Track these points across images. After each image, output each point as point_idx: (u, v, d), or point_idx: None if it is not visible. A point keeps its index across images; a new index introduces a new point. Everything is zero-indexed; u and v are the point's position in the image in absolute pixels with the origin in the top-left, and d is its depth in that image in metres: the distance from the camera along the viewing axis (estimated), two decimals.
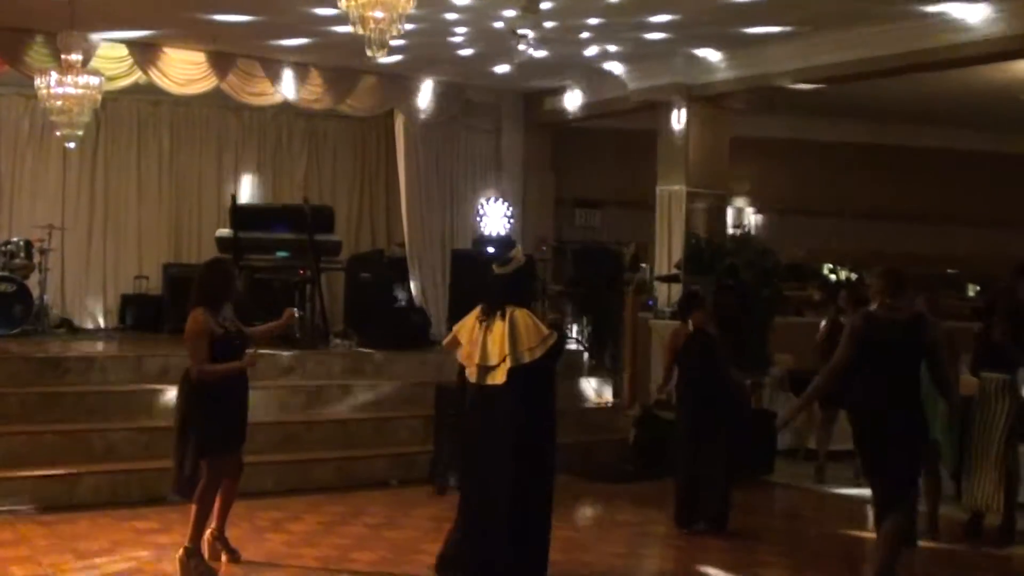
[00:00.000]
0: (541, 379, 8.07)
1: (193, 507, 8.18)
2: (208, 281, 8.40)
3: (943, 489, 11.06)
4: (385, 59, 9.70)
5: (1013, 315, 10.15)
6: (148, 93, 15.60)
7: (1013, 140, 18.92)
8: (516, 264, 8.24)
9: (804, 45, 12.91)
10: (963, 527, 10.41)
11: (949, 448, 10.42)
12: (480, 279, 14.48)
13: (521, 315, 7.95)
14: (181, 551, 8.16)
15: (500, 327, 7.96)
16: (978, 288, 20.31)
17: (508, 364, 7.88)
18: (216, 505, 8.41)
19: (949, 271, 20.20)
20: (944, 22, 11.51)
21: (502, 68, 14.97)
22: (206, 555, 8.35)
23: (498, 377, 7.93)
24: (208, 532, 8.43)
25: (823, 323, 12.88)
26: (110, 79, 13.45)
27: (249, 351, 8.34)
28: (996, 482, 10.01)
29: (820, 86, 13.82)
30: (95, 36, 13.27)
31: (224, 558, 8.50)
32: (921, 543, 9.81)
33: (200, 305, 8.20)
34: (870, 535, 10.22)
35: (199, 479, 8.17)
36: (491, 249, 15.73)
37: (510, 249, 8.46)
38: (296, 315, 9.36)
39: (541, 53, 13.53)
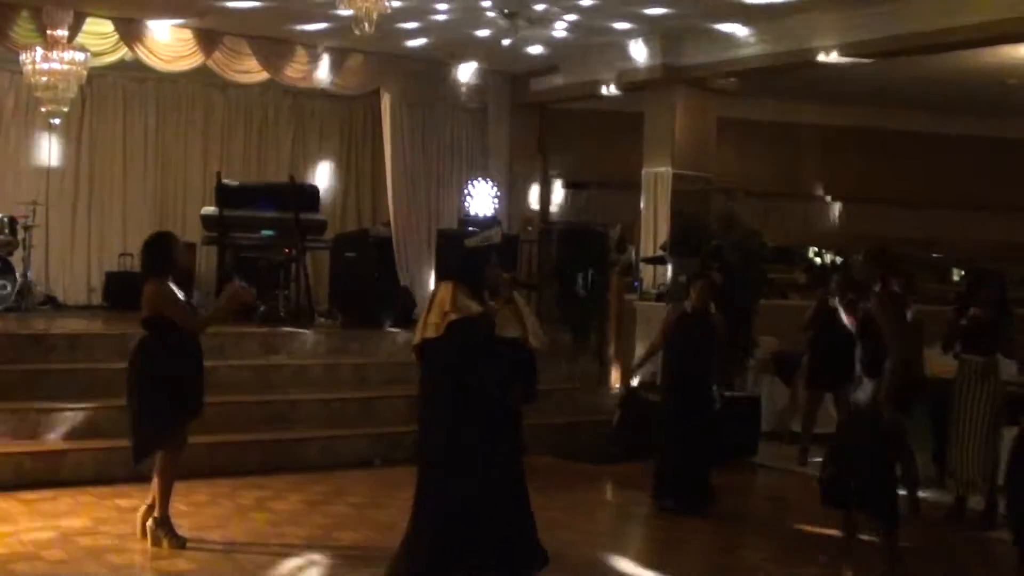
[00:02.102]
0: (432, 367, 7.48)
1: (156, 479, 8.30)
2: (154, 253, 8.51)
3: (923, 472, 11.17)
4: (372, 37, 9.69)
5: (998, 297, 10.19)
6: (134, 70, 15.58)
7: (1000, 124, 18.92)
8: (482, 241, 7.96)
9: (796, 27, 12.90)
10: (946, 510, 10.46)
11: (921, 428, 10.51)
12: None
13: (444, 289, 7.46)
14: (150, 521, 8.30)
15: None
16: (963, 272, 20.37)
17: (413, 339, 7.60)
18: (157, 486, 8.38)
19: (934, 255, 20.25)
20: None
21: (489, 48, 14.92)
22: (137, 534, 8.38)
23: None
24: (150, 520, 8.37)
25: (811, 306, 12.89)
26: (96, 55, 13.42)
27: (239, 285, 8.62)
28: (979, 464, 10.05)
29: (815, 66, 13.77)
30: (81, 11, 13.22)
31: (165, 544, 8.30)
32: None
33: (157, 274, 8.34)
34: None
35: (156, 448, 8.28)
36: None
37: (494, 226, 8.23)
38: (240, 286, 8.86)
39: (530, 33, 13.55)
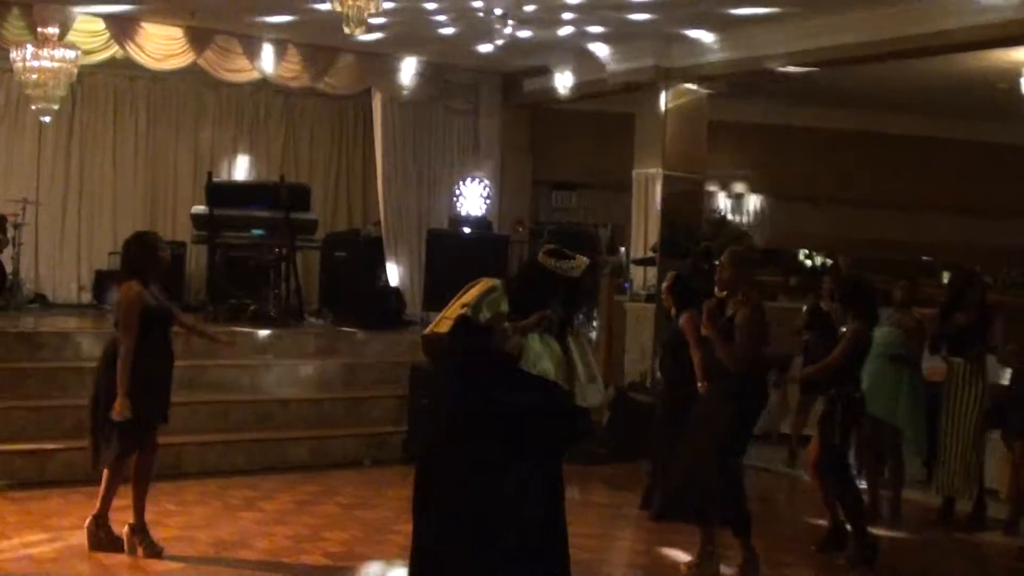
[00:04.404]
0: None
1: (104, 477, 8.08)
2: (134, 255, 8.31)
3: (913, 474, 11.21)
4: (363, 37, 9.68)
5: (980, 300, 10.24)
6: (125, 68, 15.55)
7: (989, 128, 18.97)
8: (558, 267, 6.34)
9: (791, 28, 12.89)
10: (935, 513, 10.49)
11: (915, 432, 10.55)
12: (456, 259, 14.60)
13: (483, 283, 6.36)
14: (126, 528, 8.17)
15: None
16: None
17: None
18: (132, 492, 8.23)
19: (924, 258, 20.27)
20: (946, 4, 11.51)
21: (481, 48, 14.92)
22: (125, 549, 8.16)
23: None
24: (126, 527, 8.21)
25: (803, 309, 12.89)
26: (86, 53, 13.39)
27: None
28: (969, 467, 10.09)
29: (810, 70, 13.73)
30: (72, 9, 13.18)
31: (140, 552, 8.11)
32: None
33: (131, 278, 8.12)
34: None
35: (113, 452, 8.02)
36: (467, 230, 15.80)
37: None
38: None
39: (522, 34, 13.54)
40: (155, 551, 8.11)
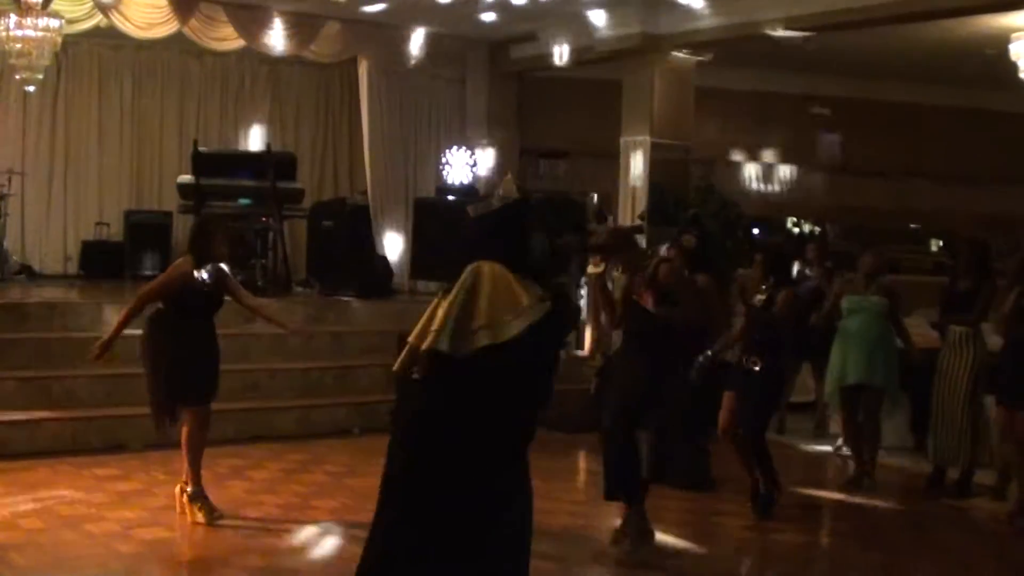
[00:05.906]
0: (467, 395, 5.24)
1: (184, 453, 8.33)
2: (195, 237, 8.61)
3: (903, 441, 11.23)
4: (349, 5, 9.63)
5: (979, 267, 10.22)
6: (109, 37, 15.42)
7: (977, 95, 18.95)
8: (501, 201, 5.75)
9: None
10: (925, 480, 10.50)
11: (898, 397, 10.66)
12: (443, 227, 14.53)
13: (490, 271, 5.23)
14: (184, 497, 8.38)
15: (454, 293, 5.28)
16: (940, 243, 20.43)
17: (428, 344, 5.21)
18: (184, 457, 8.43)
19: (912, 226, 20.29)
20: None
21: (468, 15, 14.84)
22: (177, 509, 8.39)
23: (419, 368, 5.33)
24: (178, 485, 8.44)
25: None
26: (70, 22, 13.28)
27: None
28: (962, 435, 10.09)
29: (803, 35, 13.66)
30: None
31: (200, 516, 8.34)
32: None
33: (189, 253, 8.42)
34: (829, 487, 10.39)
35: (177, 418, 8.34)
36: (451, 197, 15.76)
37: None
38: None
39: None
40: (215, 516, 8.30)
